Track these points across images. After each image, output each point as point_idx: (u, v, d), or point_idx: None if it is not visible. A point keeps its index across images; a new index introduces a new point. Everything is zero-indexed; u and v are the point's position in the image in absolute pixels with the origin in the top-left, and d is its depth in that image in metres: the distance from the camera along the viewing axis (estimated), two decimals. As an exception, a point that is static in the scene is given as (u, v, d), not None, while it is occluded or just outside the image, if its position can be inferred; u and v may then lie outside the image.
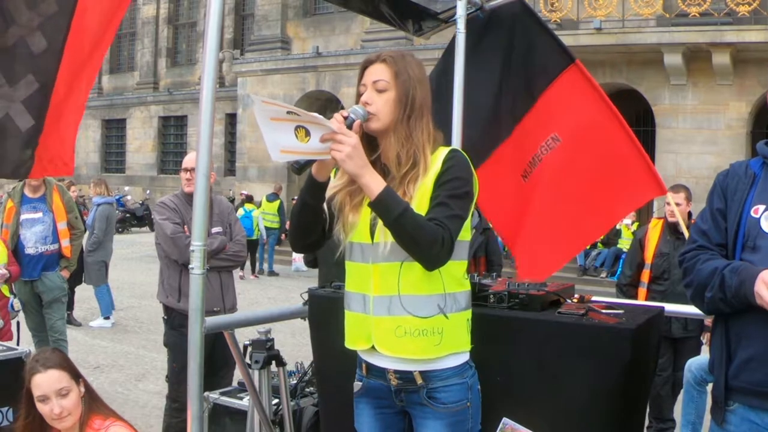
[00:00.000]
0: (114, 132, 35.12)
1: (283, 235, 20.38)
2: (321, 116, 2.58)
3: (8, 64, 3.08)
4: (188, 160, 5.50)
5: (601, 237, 16.60)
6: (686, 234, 5.48)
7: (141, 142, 33.44)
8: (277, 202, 19.99)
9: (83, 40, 3.25)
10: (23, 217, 7.47)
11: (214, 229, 5.57)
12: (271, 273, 19.12)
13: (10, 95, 3.09)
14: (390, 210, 2.58)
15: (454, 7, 4.80)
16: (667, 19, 17.40)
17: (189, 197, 5.55)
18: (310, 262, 6.75)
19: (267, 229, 19.21)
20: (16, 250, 7.39)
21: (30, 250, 7.45)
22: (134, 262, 18.79)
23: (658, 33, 17.21)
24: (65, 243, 7.63)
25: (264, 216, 19.37)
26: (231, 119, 28.21)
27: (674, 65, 17.31)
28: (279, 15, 25.31)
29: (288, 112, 2.55)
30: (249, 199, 20.19)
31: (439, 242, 2.59)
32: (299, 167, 2.65)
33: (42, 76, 3.16)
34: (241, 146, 25.85)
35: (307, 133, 2.56)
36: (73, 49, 3.21)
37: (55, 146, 3.32)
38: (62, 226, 7.61)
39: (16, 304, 6.93)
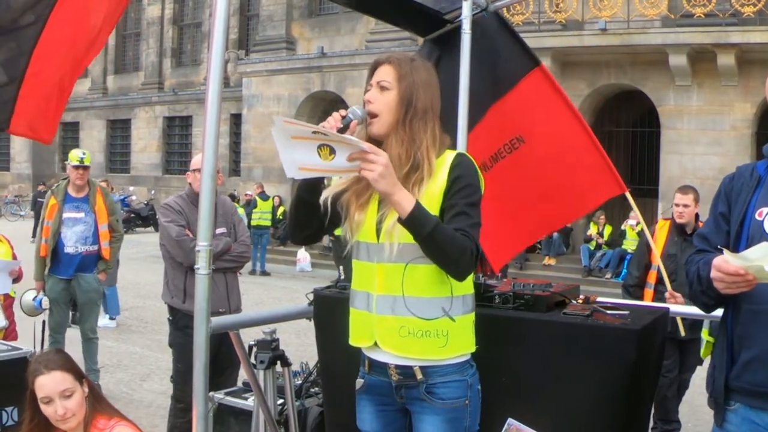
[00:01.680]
0: (119, 132, 35.17)
1: (272, 229, 20.48)
2: (352, 137, 2.58)
3: None
4: (198, 161, 5.52)
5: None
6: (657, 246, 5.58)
7: (146, 143, 33.48)
8: (271, 200, 20.45)
9: (69, 16, 3.34)
10: (65, 215, 7.51)
11: (218, 230, 5.57)
12: (263, 273, 19.09)
13: None
14: (423, 226, 2.58)
15: (460, 7, 4.80)
16: (672, 19, 17.38)
17: (195, 198, 5.56)
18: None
19: (260, 227, 19.28)
20: (56, 248, 7.44)
21: (69, 249, 7.48)
22: (139, 262, 18.80)
23: (663, 34, 17.19)
24: (105, 245, 7.67)
25: (261, 215, 19.48)
26: (236, 119, 28.21)
27: (679, 66, 17.28)
28: (284, 15, 25.32)
29: (313, 132, 2.53)
30: (232, 197, 20.30)
31: (468, 253, 2.63)
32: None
33: (23, 43, 3.27)
34: (246, 146, 25.84)
35: (332, 152, 2.54)
36: (57, 23, 3.31)
37: (37, 112, 3.41)
38: (103, 228, 7.65)
39: (45, 302, 6.94)
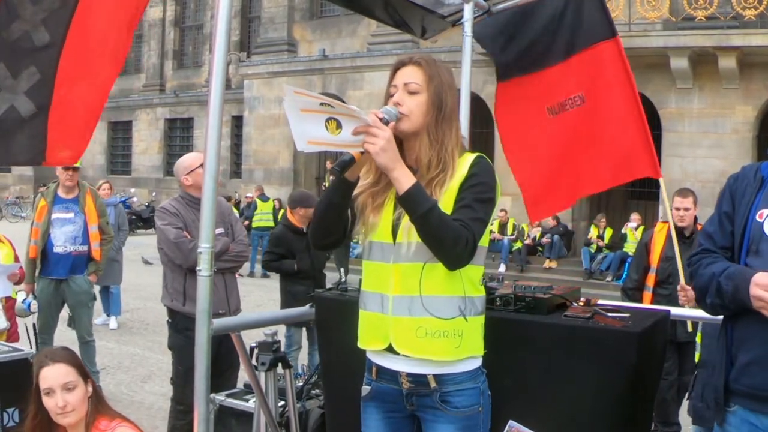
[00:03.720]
0: (120, 134, 35.18)
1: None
2: (356, 108, 2.60)
3: (11, 56, 3.19)
4: (192, 164, 5.54)
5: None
6: (675, 244, 5.55)
7: (147, 144, 33.48)
8: (271, 202, 20.60)
9: (87, 35, 3.32)
10: (54, 216, 7.51)
11: (216, 231, 5.54)
12: (265, 275, 19.06)
13: (14, 87, 3.20)
14: (418, 205, 2.61)
15: (461, 10, 4.81)
16: (674, 22, 17.38)
17: (190, 199, 5.56)
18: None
19: (260, 228, 19.35)
20: (45, 249, 7.44)
21: (59, 249, 7.47)
22: (140, 264, 18.80)
23: (665, 36, 17.18)
24: (95, 246, 7.65)
25: (261, 216, 19.53)
26: (237, 121, 28.22)
27: (680, 69, 17.28)
28: (285, 17, 25.34)
29: (321, 104, 2.56)
30: (228, 199, 20.36)
31: (462, 242, 2.62)
32: (340, 170, 2.69)
33: (44, 67, 3.25)
34: (247, 148, 25.86)
35: (339, 126, 2.58)
36: (74, 42, 3.30)
37: (68, 138, 3.40)
38: (93, 229, 7.65)
39: (34, 305, 6.94)
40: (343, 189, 2.80)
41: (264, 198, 20.63)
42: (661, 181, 5.23)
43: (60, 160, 3.49)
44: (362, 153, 2.69)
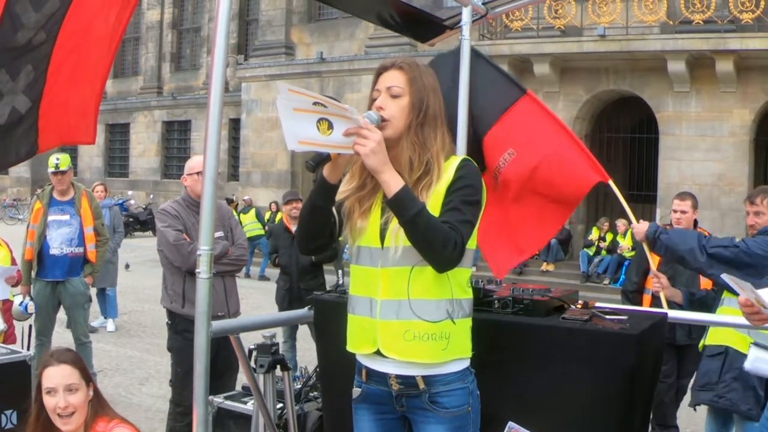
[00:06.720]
0: (118, 136, 35.18)
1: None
2: (350, 107, 2.61)
3: (12, 62, 3.21)
4: (195, 165, 5.55)
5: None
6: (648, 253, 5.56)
7: (145, 147, 33.47)
8: (252, 210, 20.97)
9: (78, 27, 3.36)
10: (50, 218, 7.53)
11: (216, 234, 5.55)
12: (263, 277, 19.21)
13: (14, 89, 3.22)
14: (406, 208, 2.61)
15: (460, 14, 4.81)
16: (671, 26, 17.42)
17: (191, 202, 5.57)
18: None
19: (252, 239, 19.50)
20: (41, 251, 7.45)
21: (55, 250, 7.49)
22: (138, 267, 18.79)
23: (662, 40, 17.22)
24: (91, 247, 7.68)
25: (247, 228, 19.67)
26: (235, 124, 28.21)
27: (678, 72, 17.31)
28: (283, 20, 25.34)
29: (314, 103, 2.56)
30: (229, 201, 20.44)
31: (451, 244, 2.63)
32: (314, 165, 2.68)
33: (37, 62, 3.29)
34: (244, 151, 25.85)
35: (330, 126, 2.58)
36: (66, 35, 3.33)
37: (57, 123, 3.43)
38: (89, 230, 7.67)
39: (30, 306, 6.94)
40: (325, 191, 2.80)
41: (245, 210, 20.94)
42: (611, 182, 5.30)
43: (51, 144, 3.51)
44: (339, 154, 2.71)
